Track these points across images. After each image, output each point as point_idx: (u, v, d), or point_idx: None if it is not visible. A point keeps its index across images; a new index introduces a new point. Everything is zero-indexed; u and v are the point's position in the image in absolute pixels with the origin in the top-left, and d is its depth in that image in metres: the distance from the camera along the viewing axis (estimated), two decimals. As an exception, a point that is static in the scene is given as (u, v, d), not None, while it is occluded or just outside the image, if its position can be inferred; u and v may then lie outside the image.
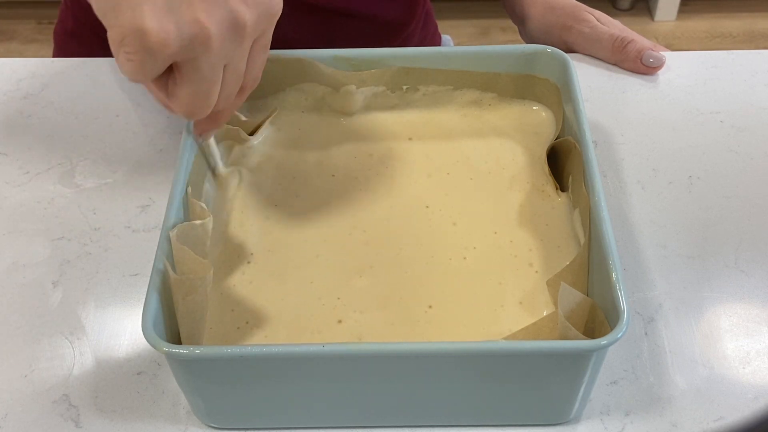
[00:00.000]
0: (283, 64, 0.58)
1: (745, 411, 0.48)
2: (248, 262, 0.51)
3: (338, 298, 0.50)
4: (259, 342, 0.48)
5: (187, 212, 0.50)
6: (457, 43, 1.07)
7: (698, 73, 0.70)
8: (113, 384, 0.50)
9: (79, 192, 0.61)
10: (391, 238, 0.53)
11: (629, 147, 0.63)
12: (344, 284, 0.50)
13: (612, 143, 0.64)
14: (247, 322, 0.48)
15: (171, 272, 0.45)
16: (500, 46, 0.59)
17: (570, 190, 0.54)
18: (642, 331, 0.52)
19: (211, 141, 0.54)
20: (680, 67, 0.70)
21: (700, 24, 1.93)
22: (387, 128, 0.60)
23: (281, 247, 0.52)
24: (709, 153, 0.63)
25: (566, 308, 0.44)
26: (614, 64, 0.70)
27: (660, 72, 0.69)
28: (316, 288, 0.50)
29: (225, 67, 0.45)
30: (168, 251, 0.46)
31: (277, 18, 0.46)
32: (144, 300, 0.43)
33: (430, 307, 0.49)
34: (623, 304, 0.42)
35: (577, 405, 0.46)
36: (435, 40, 0.91)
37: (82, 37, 0.81)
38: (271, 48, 0.48)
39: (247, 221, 0.54)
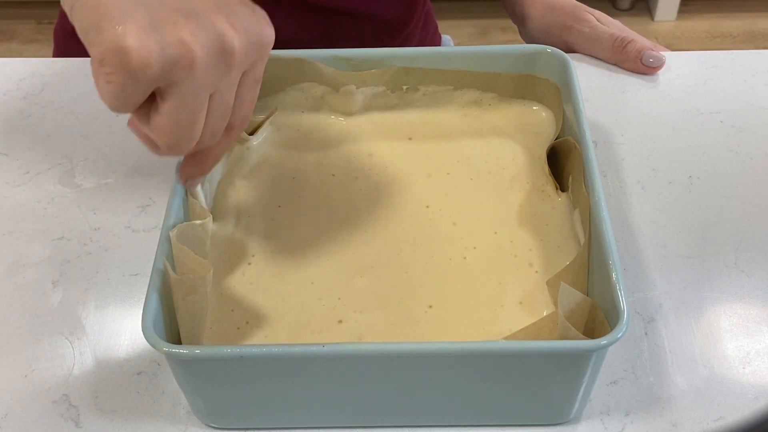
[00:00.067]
0: (283, 64, 0.58)
1: (745, 411, 0.48)
2: (249, 263, 0.51)
3: (338, 299, 0.50)
4: (259, 342, 0.48)
5: (187, 212, 0.50)
6: (457, 43, 1.07)
7: (698, 73, 0.70)
8: (113, 384, 0.50)
9: (79, 192, 0.61)
10: (391, 238, 0.53)
11: (629, 147, 0.63)
12: (344, 284, 0.50)
13: (612, 143, 0.64)
14: (247, 323, 0.48)
15: (171, 272, 0.45)
16: (500, 46, 0.59)
17: (570, 190, 0.54)
18: (642, 331, 0.52)
19: (198, 188, 0.50)
20: (680, 67, 0.70)
21: (700, 24, 1.93)
22: (387, 128, 0.60)
23: (281, 248, 0.52)
24: (709, 153, 0.63)
25: (566, 308, 0.44)
26: (614, 64, 0.70)
27: (660, 72, 0.69)
28: (316, 288, 0.50)
29: (211, 96, 0.42)
30: (168, 251, 0.46)
31: (269, 50, 0.44)
32: (144, 300, 0.43)
33: (430, 307, 0.49)
34: (623, 304, 0.42)
35: (577, 405, 0.46)
36: (435, 40, 0.91)
37: (82, 37, 0.81)
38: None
39: (247, 221, 0.54)
